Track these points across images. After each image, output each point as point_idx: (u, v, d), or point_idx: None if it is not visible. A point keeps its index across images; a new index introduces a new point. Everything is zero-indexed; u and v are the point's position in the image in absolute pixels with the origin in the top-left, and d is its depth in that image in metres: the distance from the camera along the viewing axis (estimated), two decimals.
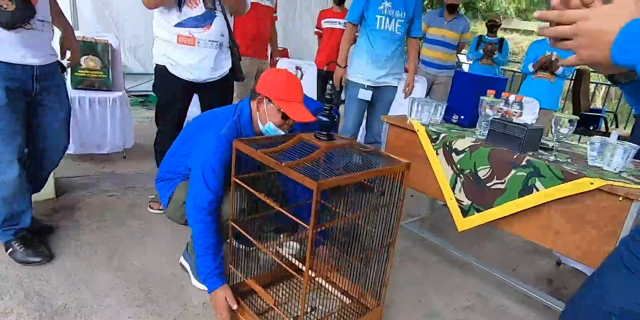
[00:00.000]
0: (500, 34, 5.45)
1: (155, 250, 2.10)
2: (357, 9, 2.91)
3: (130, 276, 1.88)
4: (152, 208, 2.50)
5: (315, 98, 4.35)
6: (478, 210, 1.88)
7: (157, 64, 2.32)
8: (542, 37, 4.45)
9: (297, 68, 2.93)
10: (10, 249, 1.88)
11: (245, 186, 1.53)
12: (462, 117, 2.15)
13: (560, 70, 4.03)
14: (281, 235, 1.88)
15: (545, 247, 1.77)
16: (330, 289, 1.76)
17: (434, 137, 1.99)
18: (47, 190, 2.40)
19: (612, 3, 0.70)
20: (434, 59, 4.47)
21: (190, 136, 1.83)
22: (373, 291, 1.64)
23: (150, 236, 2.23)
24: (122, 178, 2.94)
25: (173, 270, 1.96)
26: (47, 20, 1.81)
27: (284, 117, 1.68)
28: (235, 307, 1.59)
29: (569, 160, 1.75)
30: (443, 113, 2.15)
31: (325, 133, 1.50)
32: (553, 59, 4.02)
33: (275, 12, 3.83)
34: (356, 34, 3.10)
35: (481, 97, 1.89)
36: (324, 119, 1.47)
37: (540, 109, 3.48)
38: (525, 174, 1.69)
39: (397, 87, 3.13)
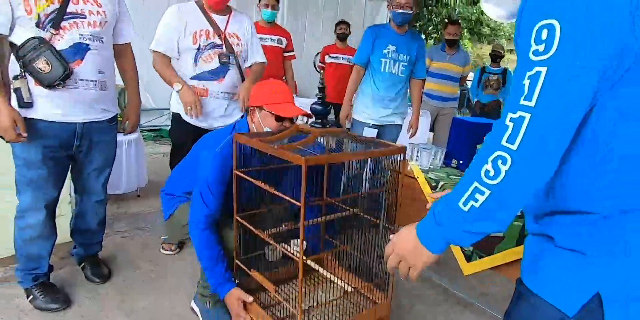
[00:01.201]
0: (506, 56, 5.57)
1: (166, 293, 2.17)
2: (364, 52, 3.04)
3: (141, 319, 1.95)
4: (164, 249, 2.59)
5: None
6: (481, 256, 1.92)
7: (173, 112, 2.48)
8: None
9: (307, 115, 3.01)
10: (31, 296, 1.97)
11: (244, 223, 1.60)
12: (461, 161, 2.23)
13: None
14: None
15: None
16: (337, 281, 1.69)
17: (433, 184, 2.06)
18: (64, 234, 2.49)
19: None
20: (439, 92, 4.56)
21: (195, 153, 1.98)
22: (380, 283, 1.63)
23: (161, 279, 2.31)
24: (135, 218, 3.04)
25: (184, 313, 2.02)
26: (94, 79, 1.85)
27: (278, 119, 1.76)
28: (250, 300, 1.64)
29: None
30: (443, 158, 2.23)
31: (319, 121, 1.56)
32: None
33: (290, 52, 3.99)
34: None
35: (477, 146, 1.96)
36: (318, 107, 1.54)
37: None
38: (521, 224, 1.75)
39: (401, 125, 3.23)
